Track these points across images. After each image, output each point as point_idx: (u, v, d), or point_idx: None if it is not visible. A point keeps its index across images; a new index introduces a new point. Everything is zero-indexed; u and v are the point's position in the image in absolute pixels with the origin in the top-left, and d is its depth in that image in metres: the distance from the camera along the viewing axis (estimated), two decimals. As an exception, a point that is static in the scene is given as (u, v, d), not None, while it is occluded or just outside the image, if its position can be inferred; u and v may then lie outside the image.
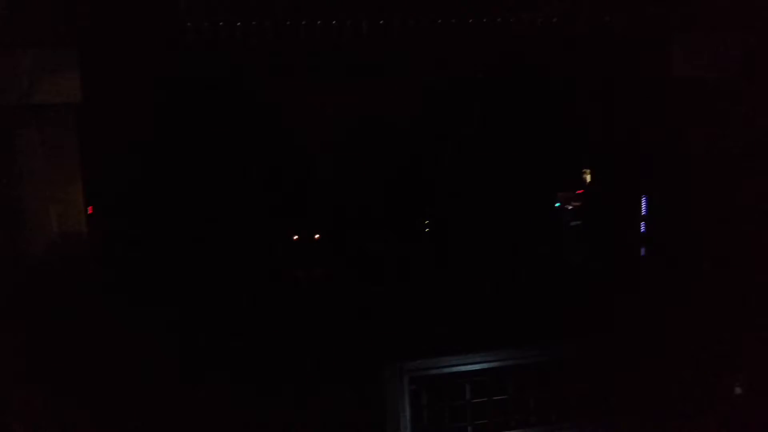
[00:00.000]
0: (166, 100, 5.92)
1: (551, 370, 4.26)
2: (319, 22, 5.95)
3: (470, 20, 6.21)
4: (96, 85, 5.62)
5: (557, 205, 7.37)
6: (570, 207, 7.33)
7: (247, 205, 6.27)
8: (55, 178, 5.70)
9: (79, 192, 5.78)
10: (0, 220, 5.44)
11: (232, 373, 5.09)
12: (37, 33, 5.49)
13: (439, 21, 6.16)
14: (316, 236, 6.66)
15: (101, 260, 5.67)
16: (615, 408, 4.46)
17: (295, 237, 6.61)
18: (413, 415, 3.93)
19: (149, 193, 5.98)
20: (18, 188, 5.55)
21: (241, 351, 5.27)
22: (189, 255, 5.88)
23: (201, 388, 5.02)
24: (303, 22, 5.93)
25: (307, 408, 4.60)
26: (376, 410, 3.94)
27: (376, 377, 4.00)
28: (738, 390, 4.92)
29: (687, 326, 5.35)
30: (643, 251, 7.00)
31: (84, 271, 5.49)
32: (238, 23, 5.81)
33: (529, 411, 4.20)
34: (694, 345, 5.10)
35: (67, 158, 5.76)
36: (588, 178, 7.32)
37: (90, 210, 5.86)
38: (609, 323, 5.41)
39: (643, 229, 7.00)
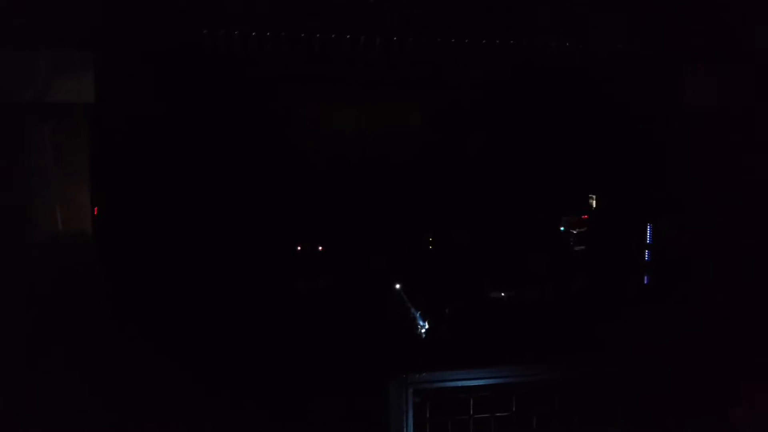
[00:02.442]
0: (177, 105, 5.94)
1: (553, 388, 4.24)
2: (333, 35, 6.00)
3: (483, 41, 6.26)
4: (109, 87, 5.64)
5: (562, 229, 7.39)
6: (575, 231, 7.34)
7: (253, 211, 6.27)
8: (63, 178, 5.70)
9: (86, 193, 5.77)
10: (5, 219, 5.42)
11: (233, 385, 5.04)
12: (53, 33, 5.52)
13: (453, 40, 6.21)
14: (320, 248, 6.65)
15: (104, 262, 5.63)
16: (616, 428, 4.44)
17: (299, 248, 6.61)
18: (416, 428, 3.90)
19: (156, 197, 5.96)
20: (25, 186, 5.54)
21: (242, 362, 5.23)
22: (192, 261, 5.85)
23: (199, 401, 4.95)
24: (317, 35, 5.98)
25: (310, 420, 4.57)
26: (380, 422, 3.92)
27: (380, 389, 3.97)
28: (740, 414, 4.89)
29: (686, 352, 5.33)
30: (646, 279, 6.98)
31: (87, 272, 5.46)
32: (253, 33, 5.86)
33: (532, 428, 4.16)
34: (693, 369, 5.08)
35: (76, 159, 5.75)
36: (594, 203, 7.34)
37: (96, 211, 5.84)
38: (606, 346, 5.41)
39: (647, 257, 6.98)
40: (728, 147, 6.25)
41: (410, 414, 3.88)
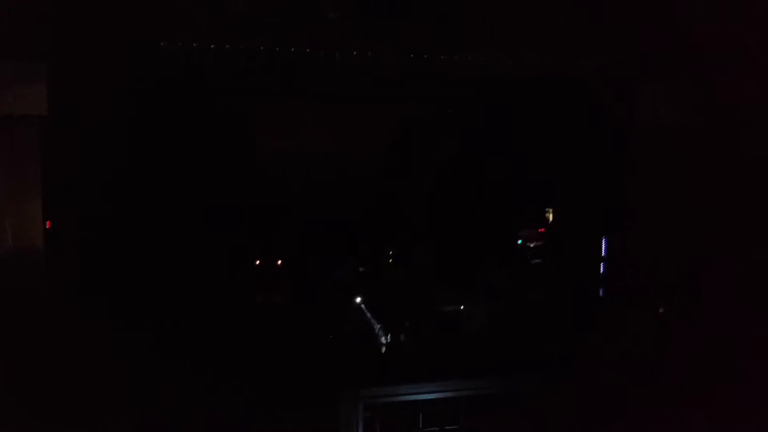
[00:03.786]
0: (134, 118, 5.88)
1: (502, 402, 4.29)
2: (292, 49, 6.02)
3: (441, 57, 6.32)
4: (63, 99, 5.56)
5: (519, 242, 7.47)
6: (532, 245, 7.44)
7: (210, 227, 6.22)
8: (13, 191, 5.59)
9: (38, 206, 5.67)
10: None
11: (186, 397, 4.99)
12: (6, 45, 5.44)
13: (411, 56, 6.28)
14: (279, 262, 6.64)
15: (57, 277, 5.54)
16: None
17: (258, 261, 6.58)
18: (366, 443, 3.92)
19: (111, 211, 5.88)
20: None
21: (196, 374, 5.18)
22: (150, 274, 5.78)
23: (152, 413, 4.89)
24: (276, 48, 5.99)
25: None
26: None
27: (331, 403, 3.97)
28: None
29: (638, 365, 5.43)
30: (601, 291, 7.08)
31: (37, 286, 5.37)
32: (212, 45, 5.85)
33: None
34: (650, 383, 5.17)
35: (28, 171, 5.66)
36: (551, 217, 7.44)
37: (48, 224, 5.75)
38: (562, 359, 5.47)
39: (602, 269, 7.08)
40: (682, 162, 6.40)
41: (361, 429, 3.89)
